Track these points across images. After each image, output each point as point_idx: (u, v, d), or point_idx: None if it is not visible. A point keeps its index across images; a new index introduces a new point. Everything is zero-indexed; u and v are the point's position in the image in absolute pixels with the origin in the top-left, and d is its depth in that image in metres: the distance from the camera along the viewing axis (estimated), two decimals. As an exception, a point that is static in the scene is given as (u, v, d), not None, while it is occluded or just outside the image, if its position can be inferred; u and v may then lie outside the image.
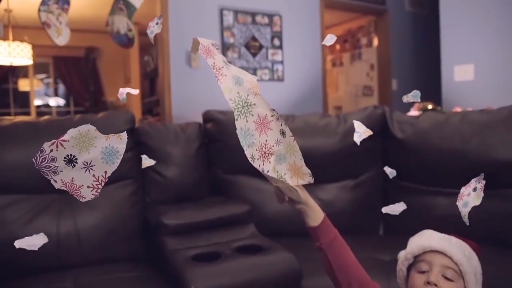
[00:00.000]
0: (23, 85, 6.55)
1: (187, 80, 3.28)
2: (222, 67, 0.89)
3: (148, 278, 1.40)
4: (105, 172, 0.43)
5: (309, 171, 0.98)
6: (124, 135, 0.45)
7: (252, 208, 1.62)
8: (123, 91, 0.92)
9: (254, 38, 3.66)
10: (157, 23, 0.82)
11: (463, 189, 0.62)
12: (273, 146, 0.93)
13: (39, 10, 2.79)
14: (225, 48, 3.47)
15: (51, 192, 1.60)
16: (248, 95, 0.90)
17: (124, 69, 6.49)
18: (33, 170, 1.59)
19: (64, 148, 0.41)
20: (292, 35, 3.86)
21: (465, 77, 3.55)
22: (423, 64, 4.69)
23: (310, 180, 0.99)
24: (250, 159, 0.90)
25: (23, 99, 6.55)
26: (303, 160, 0.97)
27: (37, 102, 6.76)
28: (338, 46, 5.94)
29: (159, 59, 3.33)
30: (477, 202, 0.61)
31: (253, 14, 3.64)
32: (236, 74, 0.91)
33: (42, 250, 1.49)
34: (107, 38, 6.29)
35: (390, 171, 1.12)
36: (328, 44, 0.73)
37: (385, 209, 1.12)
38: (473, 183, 0.63)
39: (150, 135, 1.84)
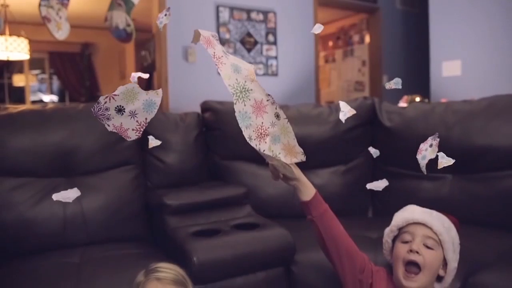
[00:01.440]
0: (18, 80, 6.58)
1: (183, 74, 3.37)
2: (222, 56, 0.98)
3: (151, 255, 1.48)
4: (146, 119, 0.53)
5: (301, 150, 1.08)
6: (160, 91, 0.55)
7: (248, 191, 1.72)
8: (134, 75, 1.01)
9: (249, 34, 3.75)
10: (165, 14, 0.91)
11: (421, 145, 0.72)
12: (268, 127, 1.03)
13: (39, 4, 2.86)
14: (221, 43, 3.55)
15: (57, 176, 1.69)
16: (245, 81, 1.00)
17: (120, 65, 6.55)
18: (40, 155, 1.69)
19: (115, 100, 0.51)
20: (286, 32, 3.96)
21: (453, 72, 3.67)
22: (413, 60, 4.81)
23: (303, 158, 1.09)
24: (248, 139, 1.00)
25: (18, 94, 6.59)
26: (296, 140, 1.07)
27: (31, 98, 6.80)
28: (331, 43, 6.05)
29: (157, 54, 3.41)
30: (433, 155, 0.72)
31: (248, 11, 3.73)
32: (234, 63, 1.01)
33: (49, 229, 1.59)
34: (102, 34, 6.34)
35: (374, 151, 1.22)
36: (316, 33, 0.83)
37: (369, 185, 1.22)
38: (429, 140, 0.73)
39: (151, 124, 1.89)
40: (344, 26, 5.84)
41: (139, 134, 0.52)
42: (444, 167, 1.94)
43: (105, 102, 0.51)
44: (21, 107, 1.78)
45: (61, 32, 2.95)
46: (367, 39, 5.16)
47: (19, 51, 4.55)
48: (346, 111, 0.97)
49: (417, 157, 0.72)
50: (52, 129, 1.71)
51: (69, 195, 0.68)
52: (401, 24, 4.90)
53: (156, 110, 0.54)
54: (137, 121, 0.53)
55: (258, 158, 1.90)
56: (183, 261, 1.25)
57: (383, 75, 4.77)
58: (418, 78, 4.30)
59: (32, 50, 4.84)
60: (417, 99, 2.68)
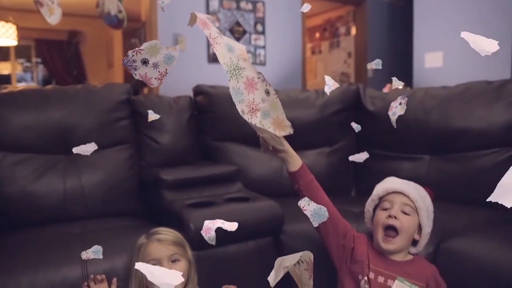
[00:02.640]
0: (3, 68, 6.54)
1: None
2: (217, 36, 1.08)
3: (148, 226, 1.56)
4: (166, 70, 0.63)
5: (289, 123, 1.18)
6: (178, 47, 0.65)
7: (239, 169, 1.82)
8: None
9: (238, 23, 3.83)
10: None
11: (392, 103, 0.82)
12: (259, 103, 1.13)
13: (33, -11, 2.88)
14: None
15: (56, 153, 1.77)
16: (238, 60, 1.09)
17: (107, 54, 6.55)
18: (40, 132, 1.76)
19: (141, 54, 0.60)
20: (274, 22, 4.05)
21: (435, 63, 3.81)
22: (397, 52, 4.95)
23: (291, 131, 1.19)
24: (241, 113, 1.09)
25: (3, 82, 6.55)
26: (284, 114, 1.17)
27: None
28: (317, 35, 6.15)
29: (148, 41, 3.47)
30: (402, 112, 0.81)
31: (237, 0, 3.81)
32: (228, 43, 1.10)
33: (51, 203, 1.67)
34: (90, 22, 6.32)
35: (356, 126, 1.33)
36: (304, 11, 0.92)
37: (351, 157, 1.33)
38: (399, 99, 0.83)
39: (146, 105, 2.00)
40: (330, 18, 5.95)
41: (161, 82, 0.62)
42: (423, 148, 2.07)
43: (133, 55, 0.61)
44: (21, 87, 1.84)
45: (53, 17, 2.98)
46: (353, 31, 5.28)
47: (7, 37, 4.55)
48: (330, 84, 1.07)
49: (388, 113, 0.82)
50: (52, 108, 1.78)
51: (88, 148, 0.77)
52: (387, 16, 5.03)
53: (174, 63, 0.64)
54: (159, 71, 0.63)
55: (248, 139, 2.01)
56: (180, 230, 1.34)
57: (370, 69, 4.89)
58: (402, 69, 4.44)
59: (18, 37, 4.84)
60: (400, 86, 2.80)
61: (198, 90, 2.15)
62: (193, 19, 1.05)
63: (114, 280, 1.23)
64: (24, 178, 1.65)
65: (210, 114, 2.08)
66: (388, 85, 2.87)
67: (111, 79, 6.18)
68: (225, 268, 1.42)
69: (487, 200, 0.42)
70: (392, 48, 4.99)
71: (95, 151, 1.89)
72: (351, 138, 2.10)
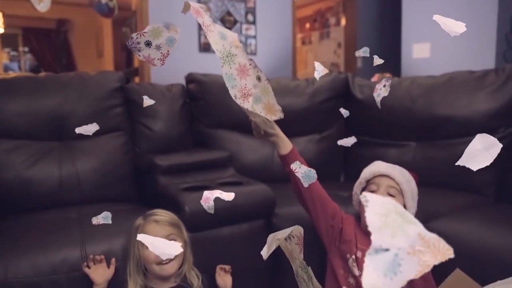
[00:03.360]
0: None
1: (165, 51, 3.45)
2: (210, 24, 1.12)
3: (143, 211, 1.61)
4: (168, 51, 0.67)
5: (280, 108, 1.23)
6: (178, 29, 0.69)
7: (231, 155, 1.87)
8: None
9: (229, 13, 3.85)
10: None
11: (377, 86, 0.87)
12: (251, 89, 1.17)
13: (22, -23, 2.88)
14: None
15: (51, 140, 1.80)
16: (231, 47, 1.14)
17: (97, 42, 6.50)
18: (35, 119, 1.78)
19: (144, 36, 0.64)
20: (265, 12, 4.07)
21: (422, 54, 3.88)
22: (386, 42, 5.00)
23: (281, 115, 1.24)
24: (233, 98, 1.14)
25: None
26: (275, 99, 1.22)
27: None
28: (308, 25, 6.18)
29: (139, 30, 3.47)
30: (386, 93, 0.86)
31: (228, -10, 3.82)
32: (221, 31, 1.14)
33: (46, 189, 1.70)
34: (79, 10, 6.27)
35: (344, 112, 1.38)
36: None
37: (340, 142, 1.38)
38: (383, 81, 0.88)
39: (139, 93, 2.03)
40: (321, 9, 5.98)
41: (163, 63, 0.66)
42: (409, 135, 2.12)
43: (137, 38, 0.65)
44: (14, 74, 1.85)
45: (42, 5, 2.99)
46: (343, 21, 5.32)
47: (-5, 25, 4.51)
48: (320, 70, 1.11)
49: (373, 94, 0.87)
50: (46, 95, 1.80)
51: (89, 128, 0.81)
52: (376, 8, 5.07)
53: (175, 45, 0.69)
54: (161, 52, 0.67)
55: (240, 126, 2.06)
56: (175, 213, 1.39)
57: (358, 58, 4.95)
58: (391, 59, 4.50)
59: (5, 25, 4.80)
60: (388, 76, 2.87)
61: (191, 78, 2.18)
62: (186, 7, 1.09)
63: (113, 260, 1.27)
64: (19, 164, 1.68)
65: (202, 101, 2.12)
66: (377, 75, 2.93)
67: (101, 69, 6.15)
68: (219, 249, 1.48)
69: (455, 164, 0.47)
70: (381, 39, 5.05)
71: (89, 137, 1.92)
72: (340, 125, 2.16)
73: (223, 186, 1.58)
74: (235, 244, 1.51)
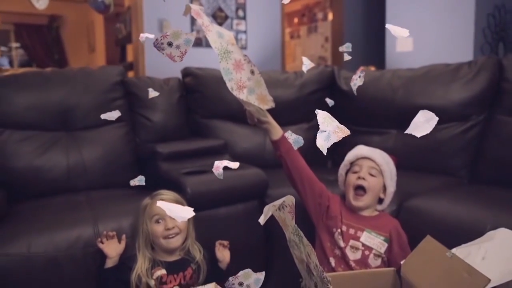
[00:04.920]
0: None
1: (159, 46, 3.57)
2: (208, 25, 1.26)
3: (147, 194, 1.76)
4: (185, 50, 0.81)
5: (271, 98, 1.38)
6: (194, 33, 0.83)
7: (226, 143, 2.01)
8: (143, 36, 1.26)
9: (220, 9, 3.98)
10: None
11: (354, 76, 1.01)
12: (245, 81, 1.32)
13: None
14: (193, 18, 3.77)
15: (59, 130, 1.92)
16: (227, 45, 1.28)
17: (89, 38, 6.58)
18: (43, 111, 1.91)
19: (167, 38, 0.78)
20: (255, 8, 4.20)
21: (405, 48, 4.05)
22: (371, 37, 5.17)
23: (273, 104, 1.38)
24: (230, 89, 1.28)
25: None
26: (267, 90, 1.37)
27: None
28: (296, 20, 6.32)
29: (133, 26, 3.59)
30: (361, 83, 1.01)
31: (219, -14, 3.94)
32: (218, 30, 1.29)
33: (55, 176, 1.83)
34: (70, 6, 6.35)
35: (329, 101, 1.52)
36: (286, 2, 1.10)
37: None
38: (358, 72, 1.02)
39: (138, 86, 2.17)
40: (309, 4, 6.12)
41: (181, 59, 0.80)
42: (391, 123, 2.29)
43: (161, 39, 0.79)
44: (22, 70, 1.97)
45: (41, 2, 3.09)
46: (330, 16, 5.47)
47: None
48: (307, 64, 1.24)
49: (350, 84, 1.01)
50: (53, 89, 1.92)
51: (113, 115, 0.95)
52: (362, 3, 5.23)
53: (191, 45, 0.83)
54: (180, 51, 0.81)
55: (234, 117, 2.21)
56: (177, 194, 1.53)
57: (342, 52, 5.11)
58: (376, 52, 4.67)
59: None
60: (372, 69, 3.03)
61: (187, 72, 2.31)
62: (187, 10, 1.23)
63: (123, 236, 1.41)
64: (29, 153, 1.81)
65: (198, 94, 2.25)
66: (361, 67, 3.09)
67: (93, 64, 6.23)
68: (217, 227, 1.62)
69: (405, 132, 0.62)
70: (366, 33, 5.21)
71: (93, 128, 2.06)
72: (327, 115, 2.32)
73: (220, 170, 1.72)
74: (232, 223, 1.66)
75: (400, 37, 0.73)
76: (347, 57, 0.98)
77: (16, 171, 1.75)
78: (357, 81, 0.97)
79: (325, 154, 0.70)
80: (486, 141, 1.95)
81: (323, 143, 1.02)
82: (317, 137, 0.73)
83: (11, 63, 7.03)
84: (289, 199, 1.07)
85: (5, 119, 1.80)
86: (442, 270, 1.04)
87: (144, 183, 0.88)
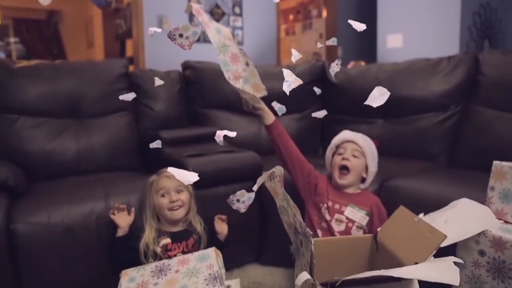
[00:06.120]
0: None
1: (158, 41, 3.71)
2: (208, 22, 1.42)
3: (151, 175, 1.92)
4: (193, 40, 0.97)
5: (264, 87, 1.54)
6: (200, 27, 0.99)
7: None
8: (151, 29, 1.42)
9: (217, 6, 4.13)
10: None
11: (332, 64, 1.16)
12: (241, 72, 1.48)
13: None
14: (192, 14, 3.92)
15: (69, 117, 2.07)
16: (225, 39, 1.44)
17: (87, 33, 6.70)
18: (54, 100, 2.08)
19: (178, 30, 0.94)
20: (251, 4, 4.35)
21: (396, 44, 4.23)
22: (363, 33, 5.33)
23: (265, 92, 1.54)
24: (227, 79, 1.44)
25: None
26: (260, 80, 1.53)
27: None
28: (291, 17, 6.48)
29: (133, 22, 3.73)
30: (338, 69, 1.15)
31: (216, -16, 4.09)
32: (217, 27, 1.44)
33: (66, 159, 1.99)
34: (69, 1, 6.46)
35: (317, 90, 1.65)
36: (276, 1, 1.25)
37: (313, 114, 1.68)
38: (336, 61, 1.16)
39: (142, 78, 2.32)
40: (303, 1, 6.28)
41: (190, 48, 0.96)
42: (376, 113, 2.46)
43: (174, 31, 0.94)
44: (34, 61, 2.12)
45: (45, -2, 3.22)
46: (324, 13, 5.64)
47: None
48: (296, 55, 1.32)
49: (329, 70, 1.16)
50: (63, 79, 2.07)
51: (129, 96, 1.11)
52: (355, 1, 5.39)
53: (197, 36, 0.98)
54: (189, 41, 0.96)
55: (231, 107, 2.37)
56: (179, 174, 1.69)
57: (338, 47, 5.27)
58: (368, 49, 4.84)
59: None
60: (362, 63, 3.20)
61: (187, 65, 2.47)
62: (189, 8, 1.38)
63: (133, 209, 1.57)
64: (42, 138, 1.96)
65: (197, 85, 2.41)
66: (351, 62, 3.26)
67: (95, 54, 6.35)
68: (216, 205, 1.77)
69: (364, 103, 0.79)
70: (359, 30, 5.37)
71: (101, 116, 2.21)
72: (318, 105, 2.48)
73: (219, 154, 1.89)
74: (229, 201, 1.82)
75: (359, 29, 0.90)
76: (333, 43, 1.12)
77: (31, 154, 1.91)
78: (335, 67, 1.12)
79: (288, 94, 0.94)
80: (463, 129, 2.12)
81: (286, 88, 1.14)
82: (283, 84, 1.02)
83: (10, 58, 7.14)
84: (279, 169, 1.24)
85: (20, 107, 1.95)
86: (410, 232, 1.21)
87: (161, 146, 1.03)
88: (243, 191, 1.08)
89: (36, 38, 6.90)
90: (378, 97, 0.86)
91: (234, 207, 1.07)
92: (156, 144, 0.98)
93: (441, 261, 1.00)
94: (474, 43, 3.90)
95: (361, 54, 4.82)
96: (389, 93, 0.84)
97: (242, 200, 1.08)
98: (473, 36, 3.89)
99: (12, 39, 7.07)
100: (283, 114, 2.45)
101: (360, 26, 0.92)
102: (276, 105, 1.12)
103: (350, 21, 0.95)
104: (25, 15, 6.70)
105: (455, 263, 1.00)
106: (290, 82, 1.15)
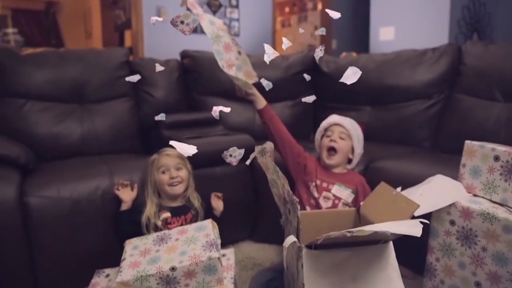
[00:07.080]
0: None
1: (156, 32, 3.82)
2: (202, 14, 1.53)
3: (150, 156, 2.04)
4: (193, 25, 1.09)
5: (256, 73, 1.66)
6: (200, 14, 1.10)
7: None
8: (153, 18, 1.53)
9: (214, -3, 4.23)
10: None
11: (317, 49, 1.28)
12: (234, 60, 1.60)
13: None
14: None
15: (73, 102, 2.19)
16: (218, 30, 1.55)
17: (85, 24, 6.77)
18: (60, 85, 2.21)
19: (180, 18, 1.06)
20: (247, -4, 4.46)
21: (388, 37, 4.35)
22: (357, 26, 5.46)
23: (257, 79, 1.66)
24: (221, 67, 1.55)
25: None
26: (252, 67, 1.65)
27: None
28: (287, 9, 6.58)
29: (133, 13, 3.83)
30: (322, 54, 1.27)
31: (213, -24, 4.19)
32: (210, 18, 1.56)
33: (71, 141, 2.12)
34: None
35: (306, 77, 1.76)
36: None
37: (303, 99, 1.80)
38: (320, 47, 1.28)
39: (142, 66, 2.43)
40: (299, -6, 6.38)
41: (189, 33, 1.07)
42: (364, 101, 2.59)
43: (176, 18, 1.06)
44: (41, 49, 2.23)
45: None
46: (319, 6, 5.74)
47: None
48: (286, 43, 1.44)
49: (314, 55, 1.28)
50: (67, 66, 2.19)
51: (135, 78, 1.23)
52: (349, -6, 5.51)
53: (197, 23, 1.10)
54: (189, 27, 1.08)
55: (226, 94, 2.50)
56: (178, 155, 1.81)
57: (332, 39, 5.39)
58: (361, 41, 4.96)
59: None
60: (354, 54, 3.32)
61: (185, 54, 2.58)
62: (184, 2, 1.50)
63: (136, 185, 1.70)
64: (49, 122, 2.07)
65: (195, 73, 2.53)
66: (344, 53, 3.38)
67: (91, 42, 6.43)
68: (213, 184, 1.91)
69: (339, 81, 0.91)
70: (353, 22, 5.49)
71: (103, 101, 2.32)
72: (310, 93, 2.59)
73: (216, 136, 2.01)
74: (225, 180, 1.95)
75: (335, 17, 1.03)
76: (321, 32, 1.23)
77: (38, 136, 2.02)
78: (319, 53, 1.24)
79: (268, 63, 1.09)
80: (446, 116, 2.26)
81: (267, 59, 1.25)
82: (264, 56, 1.13)
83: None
84: (269, 145, 1.36)
85: (27, 92, 2.06)
86: (389, 204, 1.34)
87: (165, 119, 1.14)
88: (235, 147, 1.23)
89: (34, 29, 6.97)
90: (351, 75, 0.98)
91: (227, 161, 1.23)
92: (160, 117, 1.10)
93: (410, 221, 1.13)
94: (463, 36, 4.03)
95: (355, 46, 4.95)
96: (360, 72, 0.97)
97: (234, 155, 1.24)
98: (462, 30, 4.01)
99: (10, 30, 7.11)
100: (276, 101, 2.62)
101: (335, 15, 1.05)
102: (263, 81, 1.25)
103: (327, 10, 1.08)
104: (23, 6, 6.76)
105: (423, 229, 1.13)
106: (270, 54, 1.22)
